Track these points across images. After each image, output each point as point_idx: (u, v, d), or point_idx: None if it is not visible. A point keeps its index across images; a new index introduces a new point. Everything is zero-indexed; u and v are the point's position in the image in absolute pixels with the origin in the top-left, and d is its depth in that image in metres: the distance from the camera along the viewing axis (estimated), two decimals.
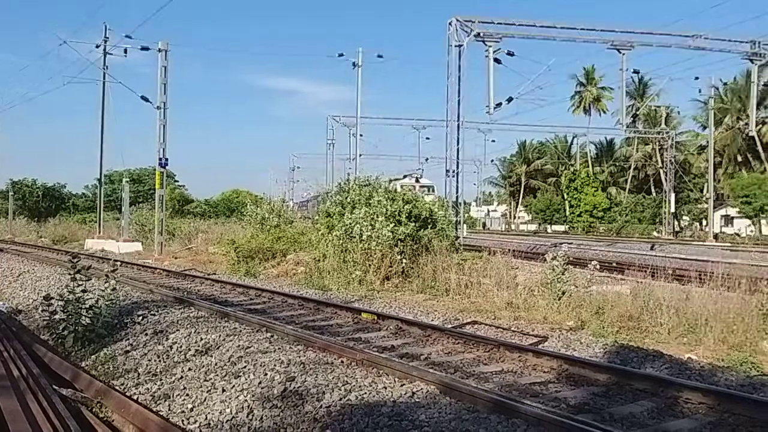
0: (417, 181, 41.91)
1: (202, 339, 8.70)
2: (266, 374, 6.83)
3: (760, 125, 44.19)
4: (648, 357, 8.30)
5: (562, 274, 12.05)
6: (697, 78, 39.92)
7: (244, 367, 7.23)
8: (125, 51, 30.16)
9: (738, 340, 8.90)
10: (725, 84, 53.58)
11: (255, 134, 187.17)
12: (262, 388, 6.43)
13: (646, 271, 14.36)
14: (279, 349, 8.04)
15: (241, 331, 9.24)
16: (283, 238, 21.61)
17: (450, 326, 10.24)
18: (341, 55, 39.10)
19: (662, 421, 5.73)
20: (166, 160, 27.68)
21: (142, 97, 28.25)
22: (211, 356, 7.88)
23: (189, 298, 12.80)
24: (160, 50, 27.52)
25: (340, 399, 6.02)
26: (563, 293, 11.71)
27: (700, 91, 46.61)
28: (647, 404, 6.17)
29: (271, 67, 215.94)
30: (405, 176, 45.53)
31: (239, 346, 8.19)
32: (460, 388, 6.14)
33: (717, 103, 49.69)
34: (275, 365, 7.17)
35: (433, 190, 40.88)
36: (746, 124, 37.32)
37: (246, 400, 6.16)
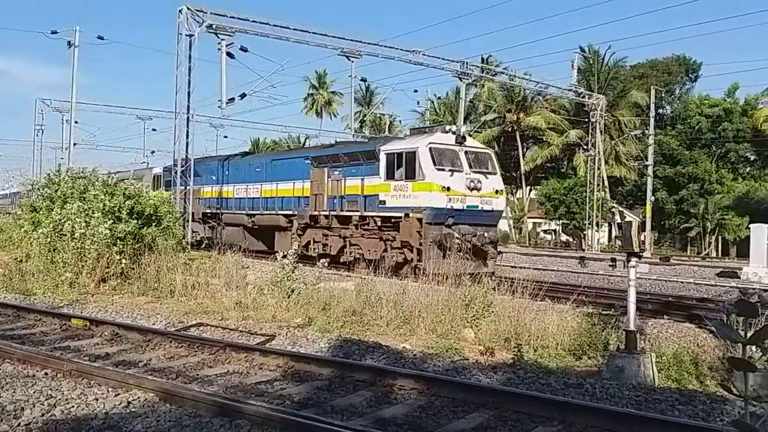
0: (460, 142, 18.26)
1: None
2: None
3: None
4: (369, 349, 8.76)
5: (293, 272, 12.21)
6: (416, 91, 44.07)
7: None
8: None
9: (445, 329, 9.84)
10: (439, 98, 59.56)
11: None
12: None
13: (370, 268, 15.22)
14: None
15: None
16: None
17: (173, 330, 9.72)
18: (54, 32, 34.11)
19: (379, 408, 6.05)
20: None
21: None
22: None
23: None
24: None
25: (42, 415, 5.32)
26: (292, 291, 11.85)
27: (418, 103, 51.51)
28: (366, 394, 6.48)
29: None
30: (432, 129, 20.83)
31: None
32: (182, 394, 5.83)
33: (432, 115, 55.02)
34: None
35: (493, 163, 18.98)
36: None
37: None
